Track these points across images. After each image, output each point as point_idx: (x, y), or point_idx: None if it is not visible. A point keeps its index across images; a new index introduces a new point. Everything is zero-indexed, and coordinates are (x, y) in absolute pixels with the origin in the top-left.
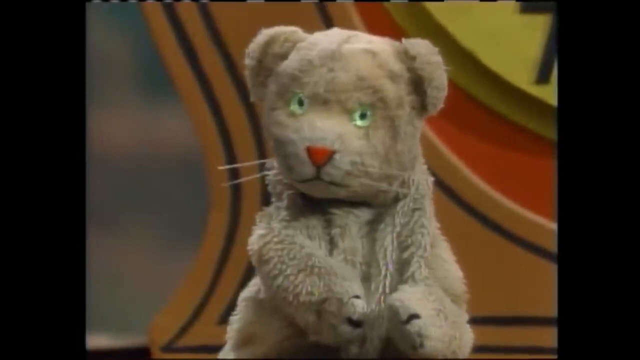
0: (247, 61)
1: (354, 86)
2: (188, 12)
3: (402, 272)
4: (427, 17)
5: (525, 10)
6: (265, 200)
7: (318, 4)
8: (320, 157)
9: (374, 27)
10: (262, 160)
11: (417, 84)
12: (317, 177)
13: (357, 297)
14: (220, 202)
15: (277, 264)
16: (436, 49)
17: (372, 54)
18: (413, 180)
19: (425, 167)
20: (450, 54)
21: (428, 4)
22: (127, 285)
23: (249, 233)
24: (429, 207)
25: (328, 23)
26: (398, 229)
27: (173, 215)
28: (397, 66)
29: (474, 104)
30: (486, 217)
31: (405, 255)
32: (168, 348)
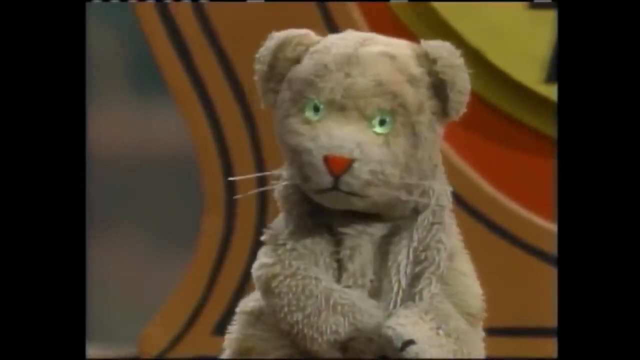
0: (257, 66)
1: (373, 92)
2: (183, 13)
3: (412, 287)
4: (433, 15)
5: (534, 6)
6: (262, 203)
7: (319, 4)
8: (339, 167)
9: (378, 26)
10: (277, 172)
11: (439, 88)
12: (335, 188)
13: (411, 341)
14: (215, 205)
15: (292, 300)
16: (458, 52)
17: (391, 57)
18: (433, 191)
19: (445, 176)
20: None
21: (433, 2)
22: (117, 292)
23: (245, 238)
24: (448, 219)
25: (330, 23)
26: (415, 244)
27: (166, 219)
28: (417, 70)
29: (480, 103)
30: (488, 219)
31: (417, 270)
32: None
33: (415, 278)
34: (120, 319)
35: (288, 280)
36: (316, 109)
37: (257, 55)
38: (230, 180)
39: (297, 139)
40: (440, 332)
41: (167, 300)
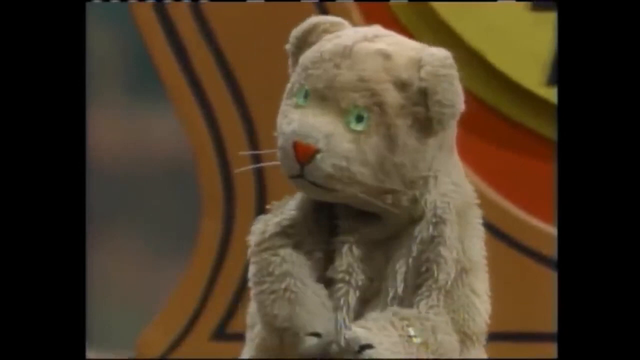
0: (287, 47)
1: (353, 86)
2: (181, 13)
3: (413, 296)
4: (433, 16)
5: (536, 7)
6: (261, 206)
7: (318, 4)
8: (303, 154)
9: None
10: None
11: (425, 96)
12: (302, 175)
13: (315, 334)
14: (213, 209)
15: (257, 272)
16: (450, 62)
17: (385, 56)
18: (426, 201)
19: (452, 187)
20: (457, 53)
21: (434, 3)
22: (114, 296)
23: (243, 241)
24: (451, 233)
25: None
26: (414, 254)
27: (163, 223)
28: (408, 73)
29: (481, 106)
30: (487, 222)
31: (418, 281)
32: None
33: (416, 287)
34: (118, 322)
35: (261, 253)
36: (306, 96)
37: (290, 37)
38: (229, 184)
39: (281, 121)
40: (416, 340)
41: (166, 304)
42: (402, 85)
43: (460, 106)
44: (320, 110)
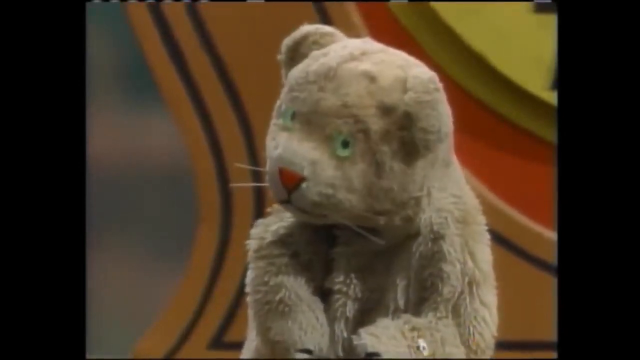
0: (279, 56)
1: (337, 112)
2: (177, 14)
3: (418, 308)
4: (433, 16)
5: (539, 9)
6: (258, 212)
7: (317, 5)
8: (289, 182)
9: (377, 28)
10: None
11: (410, 120)
12: (289, 201)
13: (306, 350)
14: (210, 215)
15: (253, 280)
16: (434, 86)
17: (371, 78)
18: (421, 220)
19: (450, 200)
20: (459, 56)
21: (434, 4)
22: (110, 304)
23: (241, 248)
24: (451, 247)
25: (328, 25)
26: (415, 269)
27: (161, 229)
28: (394, 97)
29: (483, 110)
30: (489, 229)
31: (425, 294)
32: None
33: (422, 301)
34: (116, 329)
35: (258, 260)
36: (293, 117)
37: (282, 46)
38: (226, 189)
39: (269, 144)
40: (424, 352)
41: (163, 311)
42: (386, 110)
43: (447, 129)
44: (305, 134)
